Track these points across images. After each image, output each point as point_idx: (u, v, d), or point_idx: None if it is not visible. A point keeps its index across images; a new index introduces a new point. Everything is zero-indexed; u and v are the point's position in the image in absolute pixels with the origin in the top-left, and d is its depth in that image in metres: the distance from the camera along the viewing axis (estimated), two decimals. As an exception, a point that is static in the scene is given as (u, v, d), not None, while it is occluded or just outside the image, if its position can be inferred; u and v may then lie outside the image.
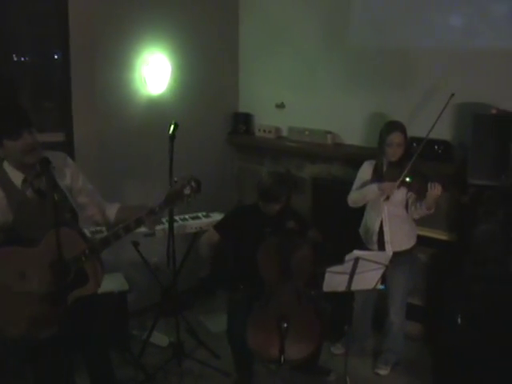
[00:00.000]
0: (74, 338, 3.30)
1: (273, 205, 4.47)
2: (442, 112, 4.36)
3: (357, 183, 4.76)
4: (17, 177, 3.25)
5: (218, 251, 4.75)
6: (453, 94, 4.33)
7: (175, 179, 3.49)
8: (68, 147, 4.83)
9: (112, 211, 3.62)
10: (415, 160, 4.35)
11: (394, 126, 4.56)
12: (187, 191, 3.36)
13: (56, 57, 4.94)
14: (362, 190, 4.66)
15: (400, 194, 4.56)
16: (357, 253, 3.86)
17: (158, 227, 4.85)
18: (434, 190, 4.22)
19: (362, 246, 4.70)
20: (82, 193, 3.52)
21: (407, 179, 4.36)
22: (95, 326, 3.64)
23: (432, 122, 4.36)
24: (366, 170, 4.72)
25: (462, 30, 4.96)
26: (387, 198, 4.50)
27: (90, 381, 3.78)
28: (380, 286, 4.19)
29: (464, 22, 4.95)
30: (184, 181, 3.38)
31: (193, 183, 3.37)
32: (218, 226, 4.71)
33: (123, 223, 3.33)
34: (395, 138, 4.49)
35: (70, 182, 3.46)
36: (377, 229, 4.67)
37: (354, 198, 4.73)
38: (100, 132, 4.99)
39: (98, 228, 4.64)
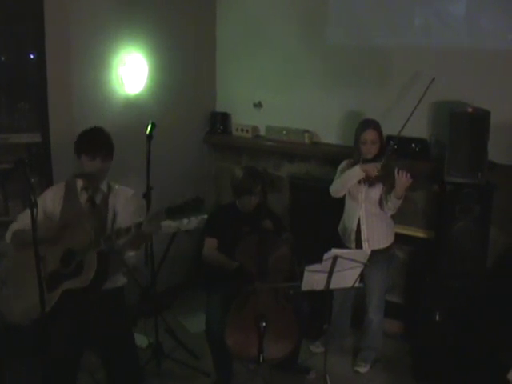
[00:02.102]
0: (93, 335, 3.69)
1: (247, 198, 4.50)
2: (423, 97, 4.44)
3: (338, 175, 4.77)
4: (79, 184, 3.81)
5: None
6: (433, 78, 4.35)
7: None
8: (44, 148, 4.79)
9: None
10: (390, 153, 4.39)
11: (367, 124, 4.60)
12: (189, 209, 3.43)
13: (32, 57, 4.89)
14: (344, 175, 4.66)
15: (377, 192, 4.59)
16: (335, 251, 3.86)
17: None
18: (403, 177, 4.25)
19: (341, 245, 4.73)
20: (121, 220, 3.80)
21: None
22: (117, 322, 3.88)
23: (410, 121, 4.39)
24: (345, 168, 4.74)
25: (439, 29, 4.99)
26: (368, 181, 4.53)
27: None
28: (360, 285, 4.20)
29: (440, 20, 4.97)
30: (188, 199, 3.43)
31: (198, 203, 3.42)
32: (210, 233, 4.68)
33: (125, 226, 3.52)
34: (369, 135, 4.53)
35: (118, 208, 3.84)
36: (354, 227, 4.69)
37: (335, 186, 4.74)
38: (77, 132, 4.90)
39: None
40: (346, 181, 4.64)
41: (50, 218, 3.71)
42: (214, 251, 4.60)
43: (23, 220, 3.63)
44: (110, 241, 3.46)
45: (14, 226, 3.73)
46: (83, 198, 3.77)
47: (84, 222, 3.55)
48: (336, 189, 4.73)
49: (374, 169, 4.47)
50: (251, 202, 4.53)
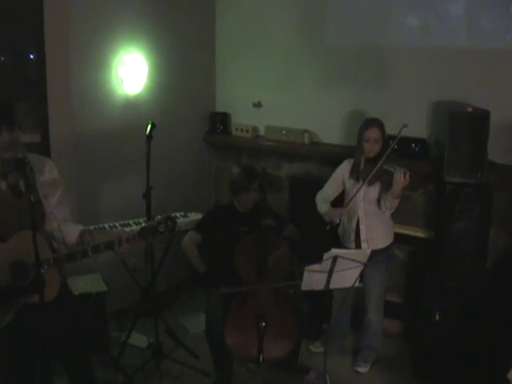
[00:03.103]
0: (50, 340, 3.21)
1: (244, 194, 4.50)
2: (395, 143, 4.38)
3: (330, 180, 4.81)
4: None
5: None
6: (405, 125, 4.34)
7: (158, 216, 3.45)
8: (44, 148, 4.79)
9: (74, 233, 3.46)
10: (385, 160, 4.38)
11: (371, 122, 4.60)
12: (162, 229, 3.37)
13: (31, 57, 4.89)
14: (320, 204, 4.78)
15: (376, 192, 4.58)
16: (335, 251, 3.86)
17: (136, 228, 4.82)
18: (401, 177, 4.24)
19: (340, 245, 4.73)
20: (52, 205, 3.42)
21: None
22: (72, 329, 3.56)
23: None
24: (343, 168, 4.75)
25: (438, 29, 4.99)
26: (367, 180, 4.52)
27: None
28: (359, 284, 4.20)
29: (439, 20, 4.97)
30: (161, 218, 3.38)
31: (169, 222, 3.38)
32: (198, 228, 4.69)
33: (94, 243, 3.29)
34: (372, 133, 4.52)
35: (47, 190, 3.38)
36: (354, 227, 4.69)
37: (316, 200, 4.83)
38: (76, 133, 4.96)
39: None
40: (319, 211, 4.78)
41: None
42: (192, 246, 4.62)
43: None
44: (75, 258, 3.22)
45: None
46: (3, 186, 3.23)
47: (36, 234, 2.97)
48: (317, 203, 4.82)
49: (335, 216, 4.58)
50: (249, 199, 4.52)
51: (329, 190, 4.80)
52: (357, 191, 4.53)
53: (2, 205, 3.21)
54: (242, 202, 4.57)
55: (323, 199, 4.77)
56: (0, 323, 3.22)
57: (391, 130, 4.58)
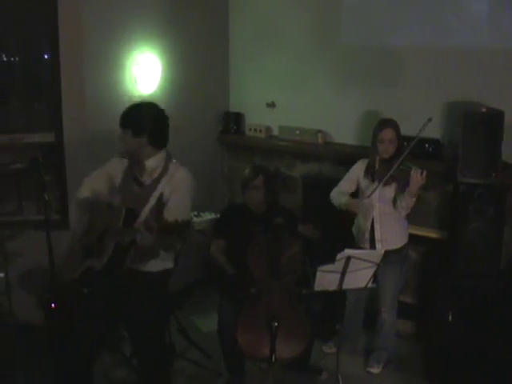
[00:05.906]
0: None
1: (247, 192, 4.51)
2: (420, 133, 4.35)
3: (345, 178, 4.81)
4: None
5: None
6: (430, 119, 4.32)
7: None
8: (58, 148, 4.81)
9: None
10: (403, 159, 4.37)
11: (386, 123, 4.59)
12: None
13: (46, 57, 4.92)
14: (338, 197, 4.79)
15: (391, 192, 4.57)
16: (348, 251, 3.86)
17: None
18: (418, 176, 4.23)
19: (354, 245, 4.72)
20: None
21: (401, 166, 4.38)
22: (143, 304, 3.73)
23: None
24: (358, 168, 4.75)
25: (452, 29, 4.97)
26: (383, 180, 4.53)
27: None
28: (373, 285, 4.20)
29: (454, 21, 4.95)
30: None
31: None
32: (217, 234, 4.75)
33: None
34: (387, 134, 4.51)
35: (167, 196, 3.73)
36: (368, 227, 4.68)
37: (331, 196, 4.85)
38: (90, 132, 4.97)
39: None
40: (334, 201, 4.82)
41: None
42: (218, 253, 4.66)
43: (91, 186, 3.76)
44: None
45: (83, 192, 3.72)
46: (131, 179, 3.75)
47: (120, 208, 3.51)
48: (331, 198, 4.85)
49: (355, 206, 4.65)
50: (252, 197, 4.54)
51: (344, 186, 4.80)
52: (372, 192, 4.51)
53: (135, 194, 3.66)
54: (249, 199, 4.58)
55: (339, 193, 4.78)
56: (102, 260, 3.52)
57: (405, 130, 4.57)
